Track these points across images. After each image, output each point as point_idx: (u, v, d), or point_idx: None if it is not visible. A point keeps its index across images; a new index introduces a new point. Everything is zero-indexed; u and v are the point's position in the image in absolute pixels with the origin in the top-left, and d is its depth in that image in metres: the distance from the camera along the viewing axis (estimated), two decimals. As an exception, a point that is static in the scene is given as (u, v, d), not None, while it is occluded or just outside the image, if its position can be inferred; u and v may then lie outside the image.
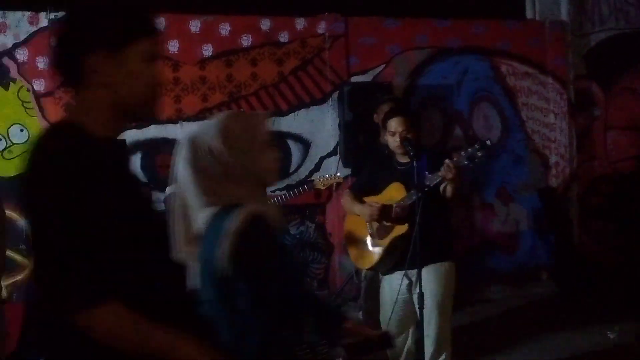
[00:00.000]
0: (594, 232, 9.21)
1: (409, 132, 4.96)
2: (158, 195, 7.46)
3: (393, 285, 5.06)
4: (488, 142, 4.83)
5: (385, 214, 5.04)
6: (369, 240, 5.20)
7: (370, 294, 6.56)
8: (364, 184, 5.34)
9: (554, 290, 8.55)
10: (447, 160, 4.66)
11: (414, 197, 4.78)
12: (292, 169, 8.07)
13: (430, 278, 4.91)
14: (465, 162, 4.68)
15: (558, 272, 8.74)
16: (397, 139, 4.96)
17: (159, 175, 7.64)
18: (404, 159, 5.03)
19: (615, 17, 9.56)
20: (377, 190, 5.17)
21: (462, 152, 4.73)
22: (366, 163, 5.67)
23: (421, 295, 4.74)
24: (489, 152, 4.77)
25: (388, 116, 5.09)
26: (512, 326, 7.39)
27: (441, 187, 4.84)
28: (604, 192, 9.20)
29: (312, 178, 6.66)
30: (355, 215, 5.28)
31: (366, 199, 5.20)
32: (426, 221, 4.70)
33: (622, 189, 8.67)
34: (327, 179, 6.28)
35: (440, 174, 4.69)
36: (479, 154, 4.67)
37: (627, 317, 7.41)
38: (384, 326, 5.13)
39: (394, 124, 4.98)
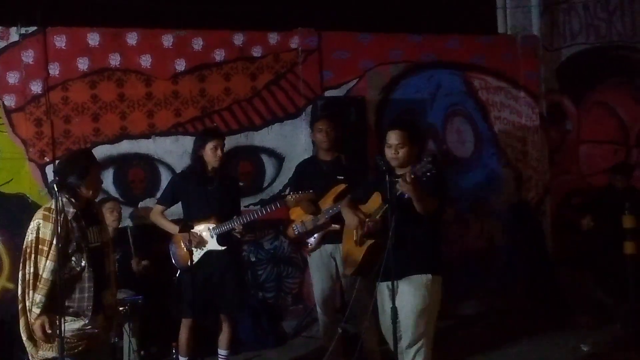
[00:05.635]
0: (568, 245, 9.24)
1: (404, 146, 5.00)
2: (129, 210, 7.46)
3: (381, 293, 5.09)
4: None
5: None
6: (353, 246, 5.24)
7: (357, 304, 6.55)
8: (365, 191, 5.36)
9: (527, 303, 8.55)
10: (404, 174, 4.71)
11: (382, 210, 4.90)
12: (265, 183, 8.05)
13: (406, 290, 4.92)
14: (419, 174, 4.69)
15: (532, 285, 8.76)
16: (392, 151, 5.02)
17: (132, 190, 7.59)
18: (400, 171, 5.03)
19: (586, 31, 9.67)
20: (366, 200, 5.25)
21: (417, 165, 4.74)
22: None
23: (394, 310, 4.74)
24: (438, 163, 4.82)
25: (387, 128, 5.16)
26: (486, 340, 7.39)
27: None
28: (577, 205, 9.24)
29: (285, 194, 6.64)
30: None
31: (361, 206, 5.27)
32: (398, 234, 4.73)
33: (595, 202, 8.70)
34: (299, 196, 6.26)
35: (397, 186, 4.74)
36: (430, 165, 4.67)
37: (601, 329, 7.45)
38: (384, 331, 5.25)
39: (392, 137, 5.04)
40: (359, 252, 5.16)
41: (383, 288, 5.07)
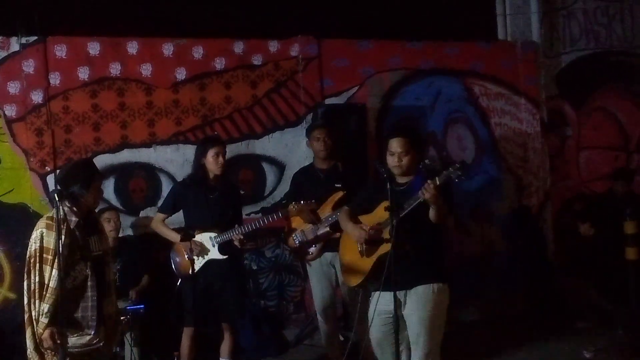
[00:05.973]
0: (569, 251, 9.23)
1: (407, 154, 4.93)
2: (131, 220, 7.46)
3: (380, 301, 4.94)
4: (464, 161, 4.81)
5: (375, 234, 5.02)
6: (358, 257, 5.14)
7: (360, 314, 6.53)
8: (361, 202, 5.29)
9: (529, 309, 8.54)
10: (428, 181, 4.62)
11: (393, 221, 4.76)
12: (266, 191, 8.04)
13: (417, 300, 4.87)
14: (445, 181, 4.61)
15: (533, 291, 8.75)
16: (395, 159, 4.95)
17: (133, 199, 7.58)
18: (402, 179, 5.00)
19: (586, 37, 9.67)
20: (371, 209, 5.13)
21: (444, 172, 4.66)
22: (367, 181, 5.77)
23: (396, 319, 4.72)
24: (468, 171, 4.73)
25: (389, 135, 5.07)
26: (486, 347, 7.38)
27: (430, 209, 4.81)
28: (578, 211, 9.23)
29: (285, 202, 6.65)
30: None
31: (361, 217, 5.18)
32: (411, 243, 4.71)
33: (596, 208, 8.71)
34: (301, 205, 6.26)
35: (419, 195, 4.67)
36: (459, 173, 4.62)
37: (602, 335, 7.44)
38: (372, 341, 5.13)
39: (394, 144, 4.96)
40: (367, 263, 5.07)
41: (388, 297, 4.94)
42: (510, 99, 9.18)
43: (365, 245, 5.06)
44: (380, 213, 5.00)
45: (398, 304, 4.85)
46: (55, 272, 4.47)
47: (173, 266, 6.25)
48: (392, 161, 4.96)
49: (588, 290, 8.48)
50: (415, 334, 4.92)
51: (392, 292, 4.79)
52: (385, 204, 4.85)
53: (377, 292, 4.98)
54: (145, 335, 6.55)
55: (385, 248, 4.90)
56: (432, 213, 4.73)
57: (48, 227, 4.55)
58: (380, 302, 4.93)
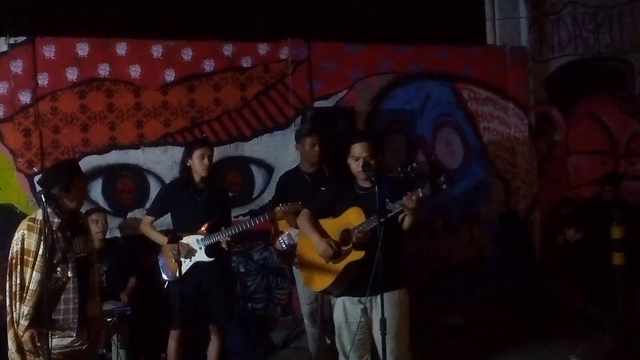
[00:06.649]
0: (556, 256, 9.26)
1: (372, 158, 4.96)
2: (119, 221, 7.44)
3: (347, 309, 5.04)
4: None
5: (343, 241, 5.00)
6: (322, 262, 5.09)
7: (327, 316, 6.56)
8: (322, 205, 5.29)
9: (516, 314, 8.56)
10: (408, 193, 4.64)
11: (374, 223, 4.77)
12: (255, 194, 8.04)
13: (386, 306, 4.86)
14: (429, 193, 4.64)
15: (521, 295, 8.77)
16: (360, 163, 4.96)
17: (121, 200, 7.56)
18: (365, 184, 5.01)
19: (574, 43, 9.73)
20: (335, 212, 5.13)
21: (428, 184, 4.65)
22: (327, 184, 5.73)
23: (383, 322, 4.72)
24: (453, 184, 4.74)
25: (353, 140, 5.08)
26: (473, 351, 7.38)
27: (400, 216, 4.83)
28: (566, 216, 9.27)
29: (272, 204, 6.64)
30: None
31: (322, 221, 5.17)
32: (384, 249, 4.69)
33: (584, 213, 8.75)
34: (287, 207, 6.25)
35: (402, 202, 4.67)
36: (444, 186, 4.63)
37: (589, 340, 7.45)
38: (339, 347, 5.14)
39: (358, 149, 4.98)
40: (334, 269, 5.02)
41: (344, 303, 5.05)
42: (498, 103, 9.22)
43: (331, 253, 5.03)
44: (349, 218, 5.00)
45: (365, 310, 4.95)
46: (35, 274, 4.45)
47: (160, 268, 6.23)
48: (356, 166, 4.99)
49: (575, 294, 8.48)
50: (387, 342, 4.92)
51: (358, 298, 4.93)
52: (357, 210, 4.92)
53: (342, 299, 5.07)
54: (132, 337, 6.54)
55: (355, 255, 4.91)
56: (407, 222, 4.82)
57: (29, 228, 4.53)
58: (351, 311, 5.03)
